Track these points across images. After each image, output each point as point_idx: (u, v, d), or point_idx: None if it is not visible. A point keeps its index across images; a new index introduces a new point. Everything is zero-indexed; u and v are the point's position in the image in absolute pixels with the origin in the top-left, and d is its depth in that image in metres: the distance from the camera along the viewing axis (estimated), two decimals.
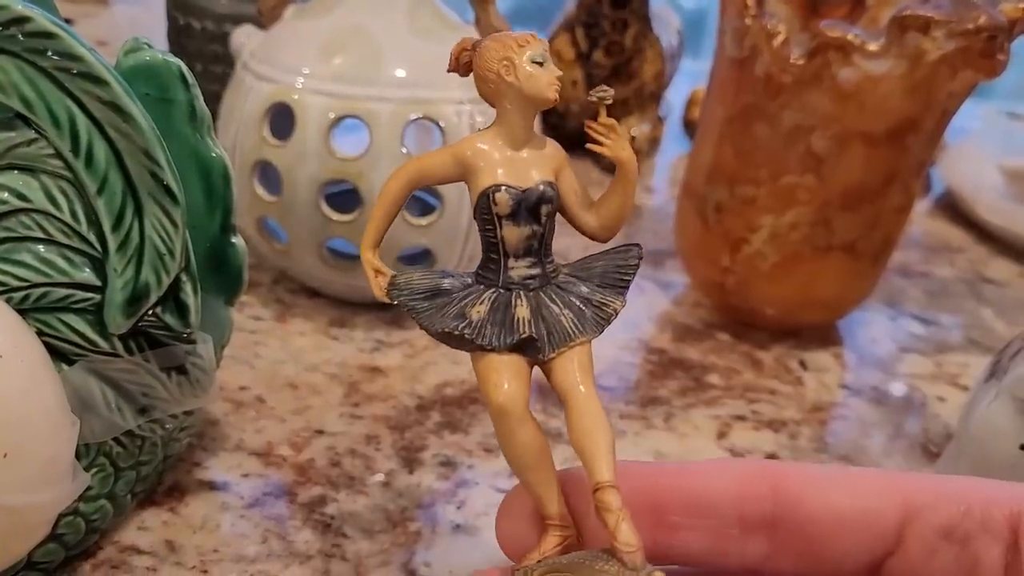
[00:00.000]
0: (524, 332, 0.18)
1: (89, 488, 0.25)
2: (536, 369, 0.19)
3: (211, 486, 0.30)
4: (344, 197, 0.38)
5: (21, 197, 0.23)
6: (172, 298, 0.25)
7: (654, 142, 0.67)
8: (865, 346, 0.45)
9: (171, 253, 0.24)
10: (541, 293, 0.19)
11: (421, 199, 0.44)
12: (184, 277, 0.25)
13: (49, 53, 0.21)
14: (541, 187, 0.18)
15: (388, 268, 0.19)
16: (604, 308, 0.19)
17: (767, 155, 0.38)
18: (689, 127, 0.70)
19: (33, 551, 0.24)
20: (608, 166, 0.65)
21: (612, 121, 0.18)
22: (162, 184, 0.23)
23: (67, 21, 0.22)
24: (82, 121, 0.22)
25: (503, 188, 0.18)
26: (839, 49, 0.35)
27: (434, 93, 0.37)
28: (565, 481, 0.19)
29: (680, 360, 0.42)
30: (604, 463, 0.17)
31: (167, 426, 0.28)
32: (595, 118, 0.18)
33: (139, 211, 0.23)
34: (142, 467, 0.28)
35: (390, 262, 0.38)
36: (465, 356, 0.18)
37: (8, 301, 0.23)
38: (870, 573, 0.18)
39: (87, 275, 0.24)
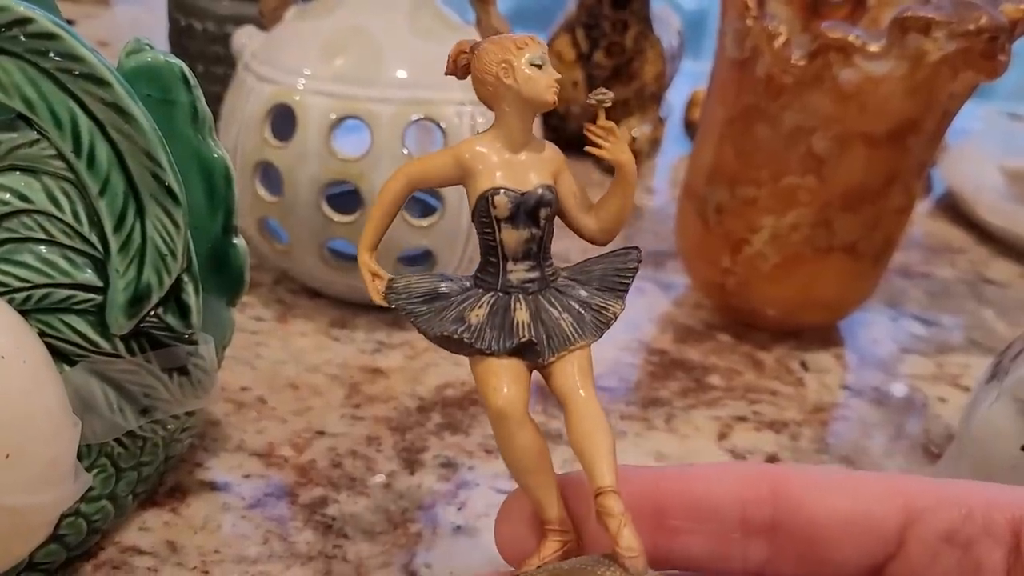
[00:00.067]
0: (523, 336, 0.18)
1: (91, 489, 0.25)
2: (535, 372, 0.19)
3: (212, 487, 0.30)
4: (345, 198, 0.38)
5: (23, 198, 0.23)
6: (174, 299, 0.25)
7: (655, 143, 0.67)
8: (866, 347, 0.45)
9: (173, 254, 0.24)
10: (540, 297, 0.19)
11: (422, 200, 0.44)
12: (186, 278, 0.25)
13: (51, 54, 0.21)
14: (540, 190, 0.18)
15: (385, 271, 0.19)
16: (603, 312, 0.19)
17: (768, 156, 0.38)
18: (690, 128, 0.70)
19: (35, 552, 0.24)
20: (608, 168, 0.65)
21: (611, 124, 0.18)
22: (164, 185, 0.23)
23: (68, 22, 0.22)
24: (84, 122, 0.22)
25: (502, 191, 0.18)
26: (840, 50, 0.35)
27: (435, 94, 0.37)
28: (565, 485, 0.18)
29: (681, 361, 0.42)
30: (605, 467, 0.17)
31: (168, 427, 0.28)
32: (594, 121, 0.18)
33: (141, 212, 0.23)
34: (143, 468, 0.28)
35: (390, 263, 0.38)
36: (465, 358, 0.18)
37: (10, 302, 0.23)
38: None
39: (89, 276, 0.24)
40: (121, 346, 0.25)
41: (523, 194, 0.18)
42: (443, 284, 0.19)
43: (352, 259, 0.40)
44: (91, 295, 0.24)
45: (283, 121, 0.37)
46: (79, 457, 0.24)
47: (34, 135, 0.22)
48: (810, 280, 0.40)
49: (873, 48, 0.34)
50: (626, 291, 0.19)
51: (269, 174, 0.39)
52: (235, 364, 0.37)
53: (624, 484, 0.17)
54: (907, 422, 0.39)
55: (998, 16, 0.33)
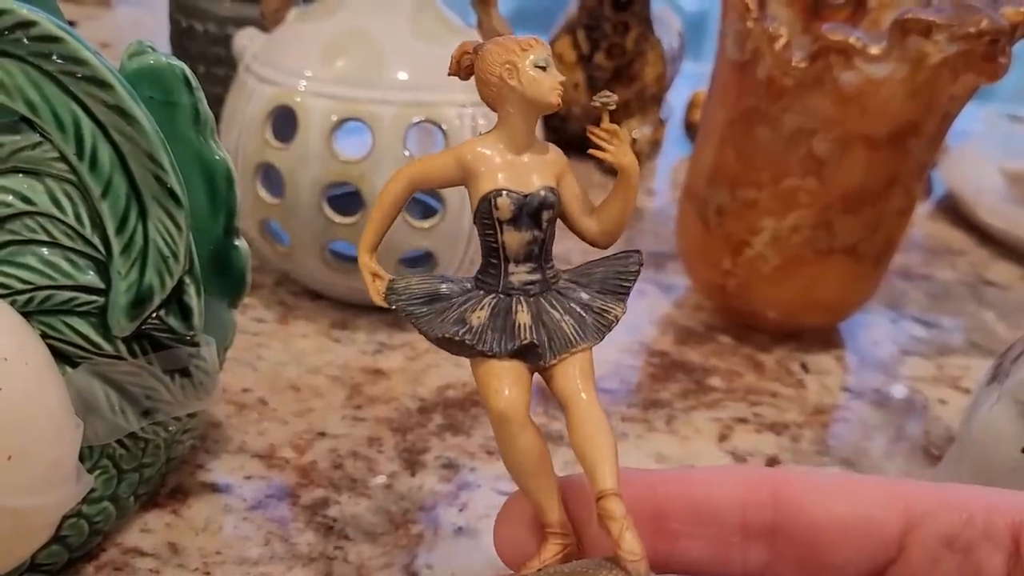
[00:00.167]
0: (525, 338, 0.18)
1: (92, 490, 0.25)
2: (536, 374, 0.19)
3: (214, 488, 0.30)
4: (346, 199, 0.38)
5: (25, 200, 0.23)
6: (175, 301, 0.25)
7: (655, 144, 0.67)
8: (867, 349, 0.45)
9: (175, 256, 0.24)
10: (541, 299, 0.19)
11: (423, 202, 0.44)
12: (187, 280, 0.25)
13: (54, 57, 0.21)
14: (542, 192, 0.18)
15: (386, 272, 0.19)
16: (605, 315, 0.19)
17: (768, 158, 0.38)
18: (690, 130, 0.70)
19: (37, 553, 0.25)
20: (610, 169, 0.65)
21: (614, 126, 0.18)
22: (166, 187, 0.23)
23: (70, 23, 0.22)
24: (86, 124, 0.22)
25: (504, 193, 0.18)
26: (841, 52, 0.35)
27: (436, 96, 0.37)
28: (565, 488, 0.18)
29: (681, 363, 0.42)
30: (607, 470, 0.17)
31: (170, 428, 0.28)
32: (597, 123, 0.18)
33: (143, 214, 0.23)
34: (145, 469, 0.28)
35: (391, 264, 0.38)
36: (466, 359, 0.18)
37: (12, 304, 0.23)
38: None
39: (91, 278, 0.24)
40: (123, 348, 0.25)
41: (526, 196, 0.18)
42: (444, 285, 0.19)
43: (353, 261, 0.40)
44: (93, 297, 0.24)
45: (284, 123, 0.37)
46: (81, 459, 0.24)
47: (37, 137, 0.22)
48: (811, 282, 0.40)
49: (874, 50, 0.34)
50: (627, 294, 0.19)
51: (270, 176, 0.39)
52: (236, 366, 0.37)
53: (624, 487, 0.17)
54: (907, 424, 0.39)
55: (999, 19, 0.33)
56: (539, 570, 0.18)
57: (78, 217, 0.23)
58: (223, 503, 0.30)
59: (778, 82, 0.36)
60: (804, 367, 0.42)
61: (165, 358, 0.26)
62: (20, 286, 0.23)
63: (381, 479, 0.32)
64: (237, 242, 0.29)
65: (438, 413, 0.36)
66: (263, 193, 0.39)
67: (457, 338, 0.18)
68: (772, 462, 0.35)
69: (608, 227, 0.19)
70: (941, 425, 0.39)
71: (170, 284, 0.24)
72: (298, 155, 0.37)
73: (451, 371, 0.38)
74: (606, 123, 0.18)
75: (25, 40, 0.21)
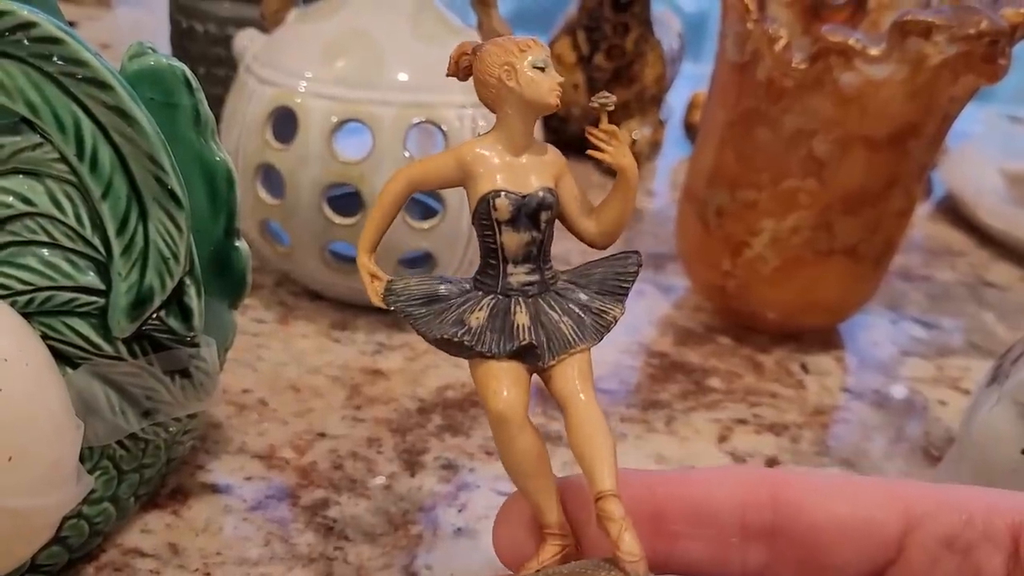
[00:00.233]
0: (524, 339, 0.18)
1: (93, 491, 0.25)
2: (535, 375, 0.19)
3: (214, 489, 0.31)
4: (346, 200, 0.38)
5: (26, 201, 0.23)
6: (176, 302, 0.25)
7: (655, 146, 0.67)
8: (866, 349, 0.45)
9: (175, 257, 0.24)
10: (540, 300, 0.19)
11: (423, 203, 0.44)
12: (188, 281, 0.25)
13: (54, 58, 0.21)
14: (541, 193, 0.18)
15: (384, 273, 0.19)
16: (603, 315, 0.19)
17: (768, 159, 0.38)
18: (690, 131, 0.70)
19: (37, 554, 0.25)
20: (609, 170, 0.65)
21: (613, 127, 0.18)
22: (166, 188, 0.23)
23: (70, 24, 0.22)
24: (87, 126, 0.22)
25: (503, 194, 0.18)
26: (840, 54, 0.35)
27: (436, 97, 0.37)
28: (564, 489, 0.18)
29: (681, 364, 0.42)
30: (606, 471, 0.17)
31: (170, 429, 0.28)
32: (596, 124, 0.18)
33: (143, 215, 0.23)
34: (145, 470, 0.28)
35: (391, 265, 0.38)
36: (465, 360, 0.18)
37: (13, 305, 0.23)
38: None
39: (91, 279, 0.24)
40: (123, 349, 0.25)
41: (524, 197, 0.18)
42: (442, 286, 0.19)
43: (353, 261, 0.40)
44: (94, 298, 0.24)
45: (284, 124, 0.37)
46: (81, 459, 0.24)
47: (37, 139, 0.22)
48: (810, 283, 0.40)
49: (873, 52, 0.34)
50: (626, 295, 0.19)
51: (270, 176, 0.39)
52: (236, 366, 0.37)
53: (623, 488, 0.17)
54: (907, 425, 0.39)
55: (998, 20, 0.33)
56: (538, 571, 0.18)
57: (78, 218, 0.23)
58: (223, 504, 0.30)
59: (778, 83, 0.36)
60: (804, 368, 0.42)
61: (165, 359, 0.26)
62: (20, 287, 0.23)
63: (381, 480, 0.32)
64: (237, 243, 0.29)
65: (437, 414, 0.36)
66: (263, 194, 0.39)
67: (456, 339, 0.18)
68: (772, 463, 0.35)
69: (607, 228, 0.19)
70: (941, 426, 0.39)
71: (170, 285, 0.24)
72: (298, 156, 0.37)
73: (450, 372, 0.38)
74: (605, 124, 0.18)
75: (26, 41, 0.21)
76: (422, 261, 0.40)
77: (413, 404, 0.36)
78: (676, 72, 0.70)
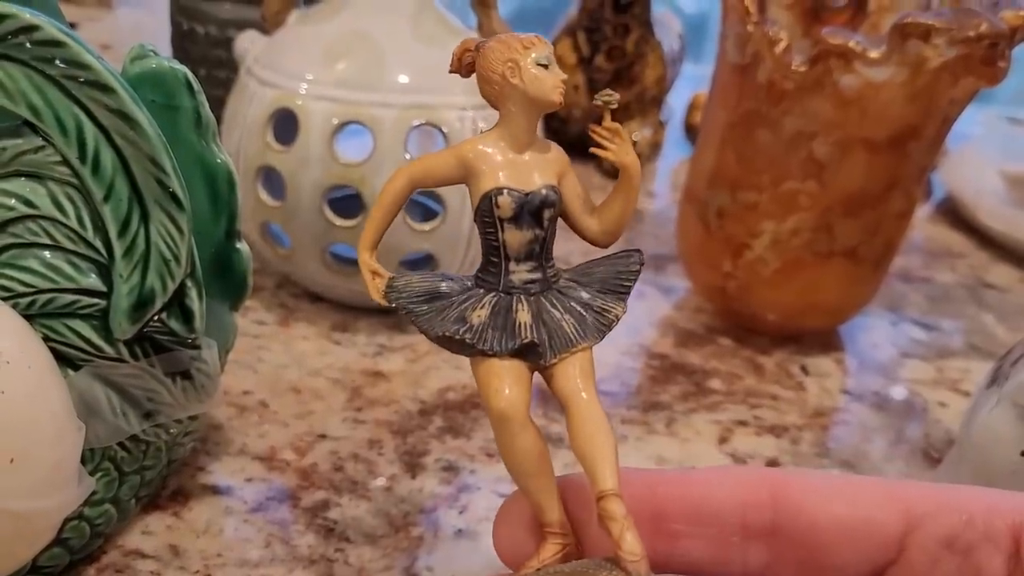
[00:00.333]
0: (526, 337, 0.18)
1: (94, 493, 0.25)
2: (536, 374, 0.19)
3: (215, 490, 0.31)
4: (347, 202, 0.38)
5: (28, 203, 0.23)
6: (177, 304, 0.25)
7: (655, 147, 0.67)
8: (866, 351, 0.45)
9: (176, 259, 0.24)
10: (542, 298, 0.19)
11: (423, 204, 0.44)
12: (189, 283, 0.25)
13: (57, 61, 0.21)
14: (544, 191, 0.18)
15: (386, 270, 0.19)
16: (605, 314, 0.19)
17: (769, 161, 0.38)
18: (690, 132, 0.70)
19: (38, 555, 0.25)
20: (610, 170, 0.66)
21: (616, 125, 0.18)
22: (168, 191, 0.23)
23: (70, 25, 0.22)
24: (89, 128, 0.22)
25: (505, 191, 0.18)
26: (841, 56, 0.35)
27: (437, 99, 0.37)
28: (564, 488, 0.18)
29: (682, 365, 0.42)
30: (608, 471, 0.17)
31: (171, 431, 0.28)
32: (599, 122, 0.18)
33: (145, 217, 0.23)
34: (146, 472, 0.28)
35: (392, 267, 0.38)
36: (467, 360, 0.18)
37: (15, 307, 0.23)
38: None
39: (93, 281, 0.24)
40: (125, 351, 0.25)
41: (527, 194, 0.18)
42: (444, 284, 0.19)
43: (354, 263, 0.40)
44: (95, 300, 0.24)
45: (285, 126, 0.37)
46: (83, 461, 0.24)
47: (39, 141, 0.23)
48: (811, 285, 0.40)
49: (873, 54, 0.34)
50: (628, 293, 0.19)
51: (271, 178, 0.39)
52: (237, 368, 0.37)
53: (624, 487, 0.17)
54: (907, 427, 0.39)
55: (998, 22, 0.33)
56: (538, 570, 0.18)
57: (80, 220, 0.23)
58: (224, 505, 0.30)
59: (778, 85, 0.37)
60: (804, 369, 0.42)
61: (167, 361, 0.26)
62: (22, 289, 0.23)
63: (381, 481, 0.32)
64: (238, 245, 0.29)
65: (438, 415, 0.36)
66: (264, 196, 0.39)
67: (457, 337, 0.18)
68: (772, 464, 0.36)
69: (609, 226, 0.19)
70: (941, 428, 0.39)
71: (172, 287, 0.24)
72: (299, 158, 0.37)
73: (451, 373, 0.38)
74: (608, 122, 0.18)
75: (28, 45, 0.21)
76: (423, 263, 0.40)
77: (414, 406, 0.36)
78: (676, 73, 0.70)
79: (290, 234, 0.39)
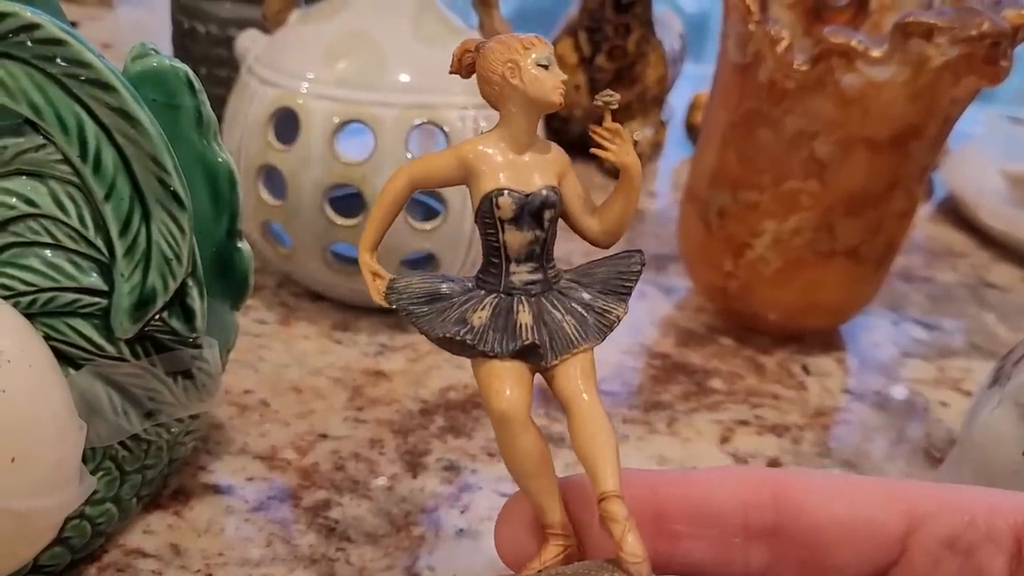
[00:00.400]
0: (527, 338, 0.18)
1: (95, 492, 0.25)
2: (537, 375, 0.18)
3: (216, 490, 0.31)
4: (348, 201, 0.38)
5: (29, 202, 0.23)
6: (178, 303, 0.25)
7: (656, 146, 0.67)
8: (868, 351, 0.45)
9: (178, 258, 0.24)
10: (543, 299, 0.18)
11: (424, 204, 0.44)
12: (190, 282, 0.25)
13: (58, 60, 0.21)
14: (544, 192, 0.18)
15: (386, 271, 0.19)
16: (606, 315, 0.19)
17: (770, 160, 0.38)
18: (692, 131, 0.70)
19: (39, 555, 0.25)
20: (611, 170, 0.66)
21: (617, 126, 0.18)
22: (169, 190, 0.23)
23: (71, 24, 0.22)
24: (90, 127, 0.22)
25: (506, 192, 0.18)
26: (842, 55, 0.35)
27: (438, 98, 0.37)
28: (566, 489, 0.18)
29: (683, 365, 0.42)
30: (609, 472, 0.17)
31: (172, 430, 0.28)
32: (600, 122, 0.18)
33: (146, 216, 0.23)
34: (147, 471, 0.28)
35: (393, 267, 0.38)
36: (467, 360, 0.18)
37: (16, 305, 0.23)
38: None
39: (94, 280, 0.24)
40: (126, 350, 0.25)
41: (527, 195, 0.18)
42: (445, 285, 0.19)
43: (354, 262, 0.40)
44: (96, 299, 0.24)
45: (286, 125, 0.37)
46: (84, 460, 0.24)
47: (40, 140, 0.23)
48: (812, 284, 0.40)
49: (875, 53, 0.34)
50: (629, 294, 0.19)
51: (272, 178, 0.39)
52: (238, 367, 0.37)
53: (625, 488, 0.17)
54: (909, 426, 0.39)
55: (1000, 22, 0.33)
56: (539, 571, 0.18)
57: (81, 219, 0.23)
58: (225, 504, 0.30)
59: (780, 85, 0.36)
60: (805, 369, 0.42)
61: (168, 360, 0.26)
62: (23, 288, 0.23)
63: (382, 481, 0.32)
64: (240, 244, 0.29)
65: (439, 415, 0.36)
66: (265, 195, 0.39)
67: (458, 338, 0.18)
68: (773, 464, 0.35)
69: (610, 227, 0.19)
70: (942, 427, 0.39)
71: (173, 286, 0.24)
72: (300, 157, 0.37)
73: (452, 373, 0.38)
74: (608, 122, 0.18)
75: (29, 43, 0.21)
76: (424, 262, 0.40)
77: (415, 405, 0.36)
78: (678, 73, 0.70)
79: (291, 233, 0.39)
